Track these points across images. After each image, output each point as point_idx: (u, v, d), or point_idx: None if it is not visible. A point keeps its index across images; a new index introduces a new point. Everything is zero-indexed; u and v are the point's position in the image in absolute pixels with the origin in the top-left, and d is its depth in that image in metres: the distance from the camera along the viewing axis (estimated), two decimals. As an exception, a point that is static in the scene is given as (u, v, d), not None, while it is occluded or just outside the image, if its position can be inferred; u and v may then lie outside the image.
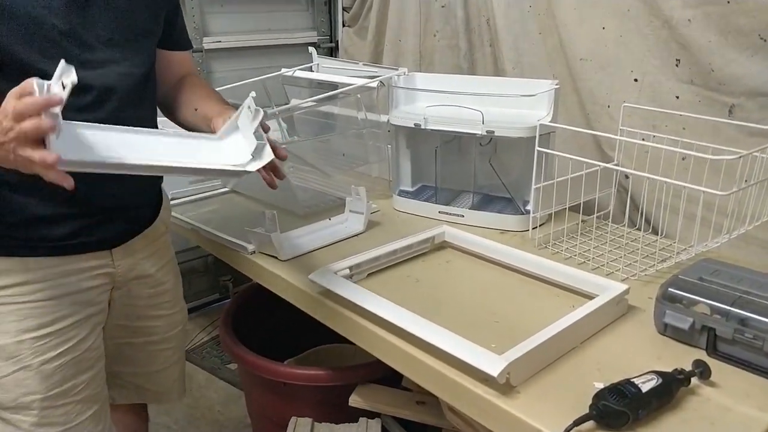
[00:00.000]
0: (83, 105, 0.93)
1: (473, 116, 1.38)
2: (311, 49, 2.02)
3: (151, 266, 1.16)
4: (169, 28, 1.14)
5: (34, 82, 0.71)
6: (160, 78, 1.14)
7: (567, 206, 1.29)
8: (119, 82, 0.98)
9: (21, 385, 0.99)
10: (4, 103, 0.73)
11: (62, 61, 0.72)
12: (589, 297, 1.06)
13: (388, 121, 1.55)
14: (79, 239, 1.02)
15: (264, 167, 0.93)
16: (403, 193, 1.59)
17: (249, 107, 0.92)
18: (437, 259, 1.31)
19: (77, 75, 0.75)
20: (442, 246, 1.36)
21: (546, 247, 1.31)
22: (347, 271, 1.17)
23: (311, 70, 1.90)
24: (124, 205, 1.07)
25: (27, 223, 0.98)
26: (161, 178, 1.18)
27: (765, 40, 1.25)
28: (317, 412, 1.43)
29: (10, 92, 0.73)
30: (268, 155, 0.90)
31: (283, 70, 1.80)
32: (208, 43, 2.16)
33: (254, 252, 1.33)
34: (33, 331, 0.99)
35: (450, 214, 1.47)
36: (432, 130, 1.44)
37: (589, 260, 1.23)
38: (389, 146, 1.63)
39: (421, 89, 1.57)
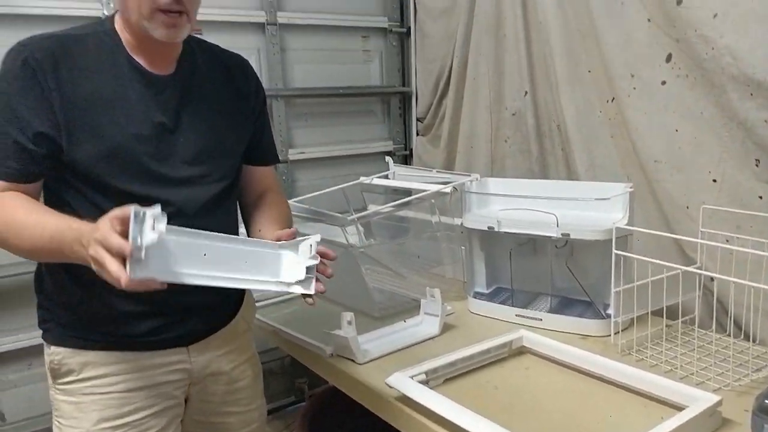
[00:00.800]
0: None
1: (547, 219, 1.40)
2: (388, 158, 2.13)
3: (227, 363, 1.20)
4: (255, 146, 1.24)
5: (131, 211, 0.80)
6: (243, 189, 1.24)
7: (649, 310, 1.25)
8: (199, 196, 1.08)
9: None
10: (104, 221, 0.83)
11: (158, 207, 0.82)
12: (679, 408, 1.01)
13: (462, 223, 1.59)
14: (158, 336, 1.09)
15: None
16: (479, 295, 1.59)
17: (311, 245, 1.01)
18: (516, 365, 1.28)
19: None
20: (521, 351, 1.33)
21: (630, 353, 1.26)
22: (423, 377, 1.17)
23: (388, 178, 1.99)
24: (202, 304, 1.13)
25: (111, 320, 1.06)
26: None
27: None
28: None
29: (110, 214, 0.83)
30: (310, 289, 1.01)
31: (362, 178, 1.90)
32: (293, 154, 2.31)
33: (332, 355, 1.35)
34: (112, 420, 1.06)
35: (527, 317, 1.46)
36: (506, 232, 1.46)
37: (676, 368, 1.18)
38: (463, 248, 1.66)
39: (494, 194, 1.61)
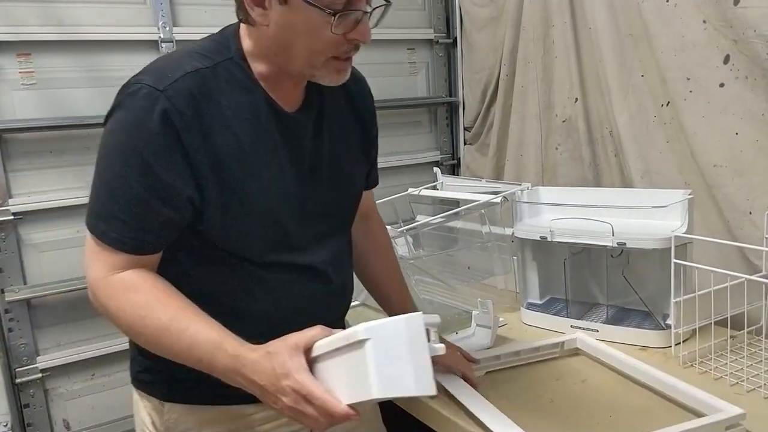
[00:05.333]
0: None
1: (602, 228, 1.36)
2: (436, 169, 2.12)
3: None
4: (368, 172, 1.13)
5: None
6: None
7: (712, 320, 1.20)
8: (329, 250, 0.99)
9: None
10: (289, 357, 0.73)
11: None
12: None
13: (513, 233, 1.57)
14: None
15: None
16: (532, 306, 1.57)
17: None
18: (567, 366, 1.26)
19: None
20: (576, 353, 1.31)
21: (692, 365, 1.22)
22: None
23: (436, 188, 1.99)
24: None
25: None
26: (343, 313, 1.11)
27: None
28: None
29: (294, 341, 0.74)
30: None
31: (410, 189, 1.90)
32: (341, 166, 2.35)
33: (383, 366, 1.35)
34: None
35: (583, 328, 1.42)
36: (559, 242, 1.44)
37: (742, 381, 1.13)
38: (515, 258, 1.64)
39: (546, 203, 1.58)
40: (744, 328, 1.20)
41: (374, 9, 0.84)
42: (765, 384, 1.10)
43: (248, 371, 0.76)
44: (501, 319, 1.52)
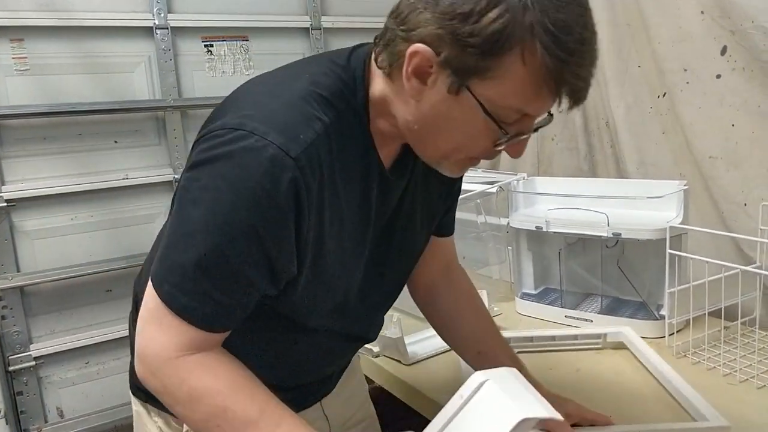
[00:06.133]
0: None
1: (597, 218, 1.36)
2: (431, 157, 2.11)
3: (353, 404, 1.08)
4: (444, 218, 1.02)
5: None
6: (421, 265, 1.00)
7: (706, 311, 1.21)
8: (379, 318, 0.98)
9: None
10: None
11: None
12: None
13: (508, 223, 1.57)
14: (294, 405, 0.80)
15: None
16: (526, 296, 1.57)
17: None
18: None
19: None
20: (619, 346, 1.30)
21: (686, 355, 1.22)
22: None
23: (432, 178, 1.98)
24: (342, 368, 1.04)
25: None
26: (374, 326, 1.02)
27: None
28: None
29: None
30: None
31: (406, 178, 1.89)
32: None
33: (378, 355, 1.35)
34: None
35: (577, 318, 1.43)
36: (554, 232, 1.44)
37: (735, 371, 1.13)
38: (510, 248, 1.64)
39: (542, 193, 1.58)
40: (738, 319, 1.20)
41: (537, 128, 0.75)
42: (758, 374, 1.11)
43: None
44: (495, 308, 1.52)
